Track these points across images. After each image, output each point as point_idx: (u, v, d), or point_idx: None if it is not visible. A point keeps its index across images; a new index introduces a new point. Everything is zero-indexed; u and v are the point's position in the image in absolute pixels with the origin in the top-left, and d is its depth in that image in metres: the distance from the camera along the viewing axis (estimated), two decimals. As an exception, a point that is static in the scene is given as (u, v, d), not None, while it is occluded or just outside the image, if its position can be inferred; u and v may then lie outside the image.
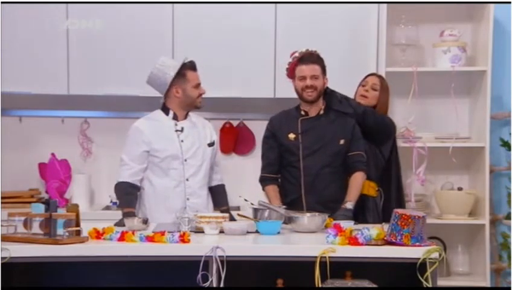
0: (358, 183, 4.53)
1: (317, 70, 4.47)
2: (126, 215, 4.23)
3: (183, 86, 4.39)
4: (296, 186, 4.51)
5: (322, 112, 4.56)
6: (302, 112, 4.56)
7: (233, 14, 5.26)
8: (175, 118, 4.45)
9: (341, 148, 4.53)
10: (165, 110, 4.46)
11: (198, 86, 4.42)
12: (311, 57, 4.49)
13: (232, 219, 4.28)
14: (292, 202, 4.44)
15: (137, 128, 4.44)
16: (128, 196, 4.39)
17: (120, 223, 4.12)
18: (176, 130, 4.43)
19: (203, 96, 4.45)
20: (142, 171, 4.42)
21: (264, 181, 4.60)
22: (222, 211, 4.38)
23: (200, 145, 4.47)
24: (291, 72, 4.54)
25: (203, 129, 4.54)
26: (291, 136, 4.54)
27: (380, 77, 4.92)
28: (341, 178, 4.57)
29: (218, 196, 4.59)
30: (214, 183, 4.61)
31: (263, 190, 4.60)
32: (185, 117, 4.48)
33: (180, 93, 4.40)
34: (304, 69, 4.46)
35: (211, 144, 4.53)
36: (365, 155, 4.59)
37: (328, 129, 4.53)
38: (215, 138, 4.62)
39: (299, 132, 4.53)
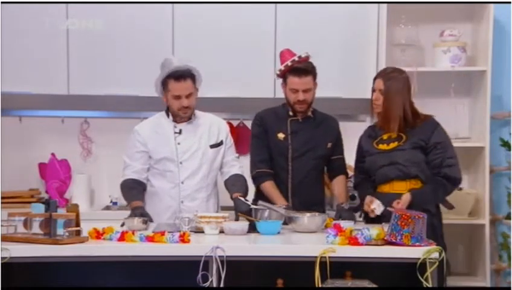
0: (345, 186, 4.57)
1: (310, 83, 4.38)
2: (134, 210, 4.16)
3: (166, 94, 4.35)
4: (281, 188, 4.45)
5: (309, 113, 4.52)
6: (291, 113, 4.51)
7: (233, 15, 5.25)
8: (175, 120, 4.43)
9: (328, 152, 4.52)
10: (167, 111, 4.44)
11: (178, 97, 4.31)
12: (304, 69, 4.36)
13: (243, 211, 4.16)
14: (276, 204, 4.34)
15: (135, 129, 4.46)
16: (133, 190, 4.34)
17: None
18: (175, 132, 4.41)
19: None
20: (145, 171, 4.41)
21: (260, 177, 4.48)
22: (232, 199, 4.29)
23: (199, 147, 4.41)
24: (282, 75, 4.45)
25: (208, 130, 4.45)
26: (281, 135, 4.49)
27: (385, 75, 4.29)
28: (322, 181, 4.60)
29: (229, 186, 4.43)
30: (225, 177, 4.49)
31: (258, 187, 4.50)
32: (188, 119, 4.42)
33: (166, 102, 4.38)
34: (297, 83, 4.36)
35: (215, 145, 4.44)
36: (345, 159, 4.59)
37: (315, 132, 4.49)
38: (224, 137, 4.49)
39: (288, 133, 4.48)
